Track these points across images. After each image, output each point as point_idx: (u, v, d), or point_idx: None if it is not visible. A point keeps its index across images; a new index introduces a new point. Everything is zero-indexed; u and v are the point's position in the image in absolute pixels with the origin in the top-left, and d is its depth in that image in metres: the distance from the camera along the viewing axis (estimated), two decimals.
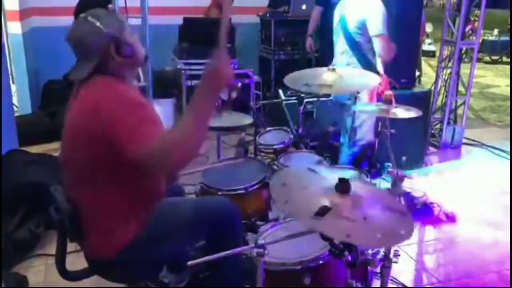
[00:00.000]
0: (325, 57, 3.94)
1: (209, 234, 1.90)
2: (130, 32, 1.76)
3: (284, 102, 3.24)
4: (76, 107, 1.72)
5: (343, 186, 1.52)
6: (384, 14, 3.18)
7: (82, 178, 1.74)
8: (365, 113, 2.97)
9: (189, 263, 1.50)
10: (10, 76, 5.16)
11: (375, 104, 2.87)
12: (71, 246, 1.90)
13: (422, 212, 3.48)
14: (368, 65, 3.22)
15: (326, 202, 1.47)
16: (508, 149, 4.81)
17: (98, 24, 1.67)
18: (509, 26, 11.49)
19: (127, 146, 1.53)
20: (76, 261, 1.94)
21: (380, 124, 2.59)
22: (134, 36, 1.79)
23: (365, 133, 3.27)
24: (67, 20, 5.55)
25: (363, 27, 3.23)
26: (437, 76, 5.09)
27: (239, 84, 3.22)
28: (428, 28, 10.51)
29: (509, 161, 4.62)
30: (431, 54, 10.14)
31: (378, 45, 3.19)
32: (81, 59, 1.72)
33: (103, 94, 1.67)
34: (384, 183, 3.29)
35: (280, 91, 3.35)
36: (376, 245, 1.62)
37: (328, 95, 3.28)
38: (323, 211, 1.43)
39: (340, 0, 3.45)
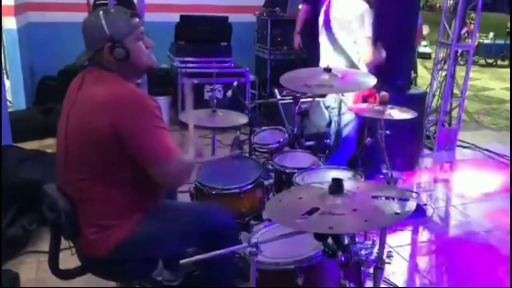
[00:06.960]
0: (313, 58, 3.91)
1: (203, 242, 1.87)
2: (138, 39, 1.78)
3: (280, 101, 3.23)
4: (85, 102, 1.72)
5: (336, 186, 1.52)
6: (369, 17, 3.10)
7: (84, 175, 1.73)
8: (360, 115, 2.96)
9: (182, 261, 1.49)
10: (4, 72, 5.13)
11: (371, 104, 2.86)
12: (63, 244, 1.90)
13: (415, 213, 3.47)
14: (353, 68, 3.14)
15: (318, 204, 1.46)
16: (503, 152, 4.83)
17: (103, 22, 1.71)
18: (507, 30, 11.53)
19: (150, 160, 1.70)
20: (68, 259, 1.92)
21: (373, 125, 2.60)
22: (141, 45, 1.79)
23: (351, 130, 3.26)
24: (64, 16, 5.59)
25: (347, 29, 3.14)
26: (433, 78, 5.10)
27: (235, 83, 3.21)
28: (425, 30, 10.56)
29: (503, 164, 4.64)
30: (427, 56, 10.17)
31: (361, 47, 3.11)
32: (86, 47, 1.79)
33: (118, 93, 1.69)
34: None
35: (276, 91, 3.34)
36: (361, 229, 1.64)
37: (324, 96, 3.27)
38: (310, 212, 1.43)
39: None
